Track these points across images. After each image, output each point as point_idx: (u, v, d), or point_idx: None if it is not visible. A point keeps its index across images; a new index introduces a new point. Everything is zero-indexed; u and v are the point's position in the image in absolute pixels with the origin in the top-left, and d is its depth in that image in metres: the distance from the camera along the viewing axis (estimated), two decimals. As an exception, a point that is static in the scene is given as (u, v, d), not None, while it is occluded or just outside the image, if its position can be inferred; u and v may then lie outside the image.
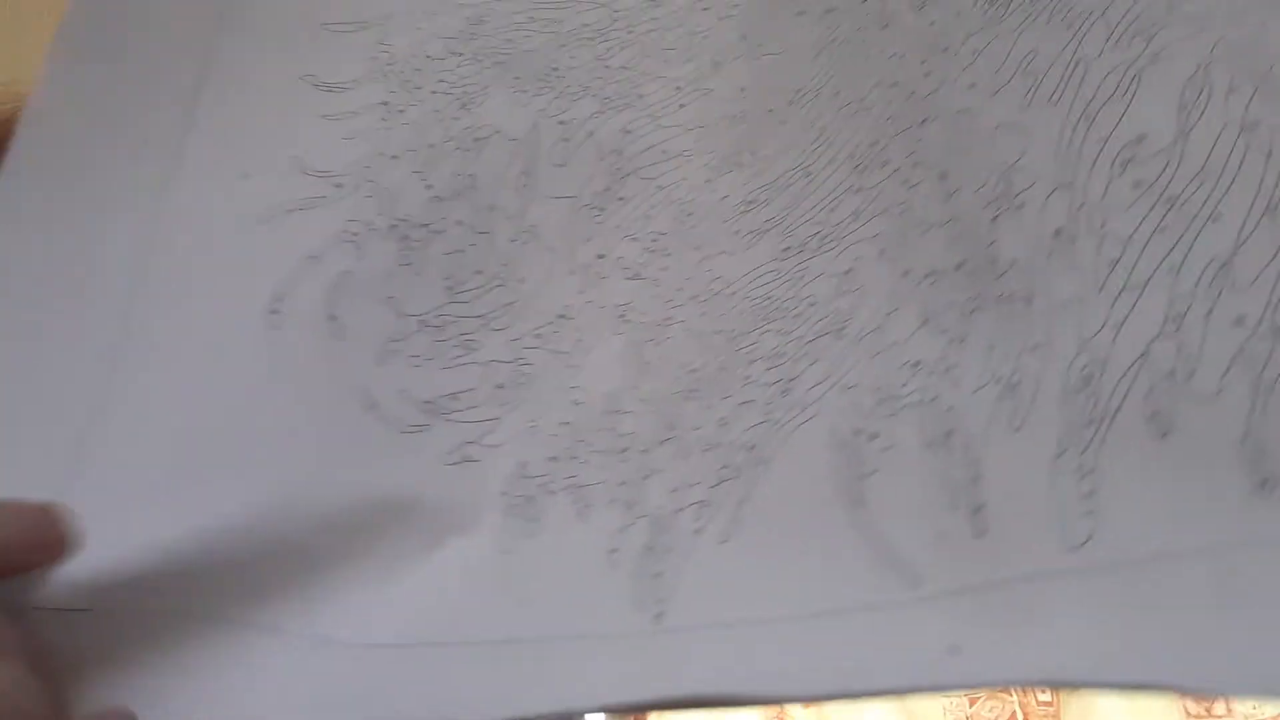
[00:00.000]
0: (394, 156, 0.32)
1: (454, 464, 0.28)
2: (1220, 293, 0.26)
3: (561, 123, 0.32)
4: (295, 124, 0.33)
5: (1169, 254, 0.28)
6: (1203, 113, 0.30)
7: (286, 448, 0.29)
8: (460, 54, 0.34)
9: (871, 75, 0.33)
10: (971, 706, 1.14)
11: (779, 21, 0.33)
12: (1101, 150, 0.29)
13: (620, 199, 0.31)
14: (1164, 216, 0.28)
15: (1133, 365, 0.26)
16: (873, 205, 0.30)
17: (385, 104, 0.33)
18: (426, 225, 0.31)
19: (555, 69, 0.33)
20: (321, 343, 0.30)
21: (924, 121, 0.31)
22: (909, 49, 0.32)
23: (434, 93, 0.33)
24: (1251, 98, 0.29)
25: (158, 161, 0.34)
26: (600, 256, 0.30)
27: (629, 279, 0.30)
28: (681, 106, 0.32)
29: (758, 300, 0.29)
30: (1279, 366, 0.25)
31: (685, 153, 0.32)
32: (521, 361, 0.29)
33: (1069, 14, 0.32)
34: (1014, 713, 1.37)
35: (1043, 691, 1.31)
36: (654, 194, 0.31)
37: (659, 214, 0.31)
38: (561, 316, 0.30)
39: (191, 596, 0.26)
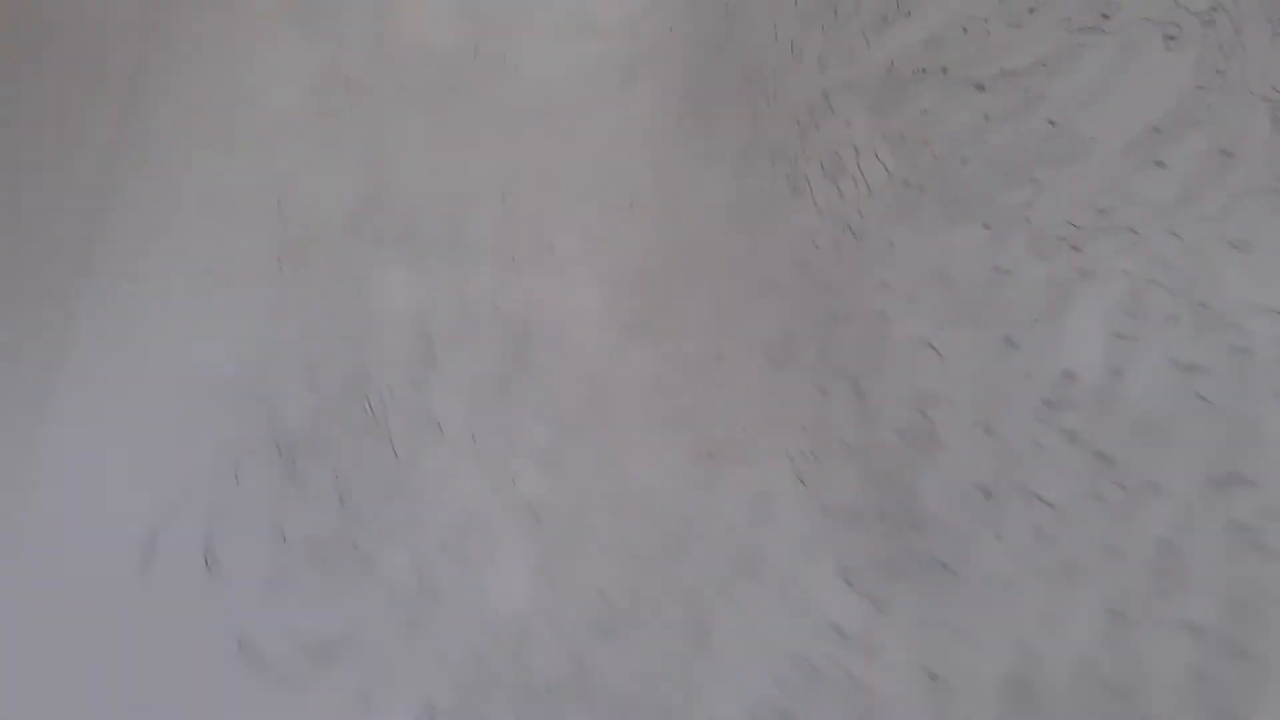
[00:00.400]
0: (281, 358, 0.28)
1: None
2: (1167, 588, 0.23)
3: (462, 296, 0.28)
4: (183, 323, 0.28)
5: (1106, 530, 0.25)
6: (1136, 347, 0.27)
7: (160, 708, 0.24)
8: (360, 230, 0.29)
9: (783, 250, 0.30)
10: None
11: (693, 165, 0.30)
12: (1027, 388, 0.27)
13: (526, 372, 0.27)
14: (1098, 481, 0.26)
15: (1072, 677, 0.23)
16: (788, 411, 0.27)
17: (280, 293, 0.29)
18: (313, 435, 0.26)
19: (458, 232, 0.29)
20: (198, 584, 0.25)
21: (836, 320, 0.28)
22: (820, 225, 0.30)
23: (330, 277, 0.29)
24: (1192, 332, 0.26)
25: (32, 375, 0.29)
26: (509, 444, 0.26)
27: (540, 472, 0.26)
28: (592, 256, 0.29)
29: (673, 517, 0.26)
30: (1245, 695, 0.22)
31: (594, 314, 0.28)
32: (427, 579, 0.25)
33: (991, 211, 0.30)
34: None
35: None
36: (562, 366, 0.27)
37: (568, 390, 0.27)
38: (469, 522, 0.26)
39: None
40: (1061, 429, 0.28)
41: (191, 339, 0.28)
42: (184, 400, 0.27)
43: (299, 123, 0.33)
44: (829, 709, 0.23)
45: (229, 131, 0.34)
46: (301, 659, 0.24)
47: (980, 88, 0.32)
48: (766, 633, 0.25)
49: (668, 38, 0.34)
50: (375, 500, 0.26)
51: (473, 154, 0.32)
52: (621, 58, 0.35)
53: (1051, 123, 0.31)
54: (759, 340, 0.29)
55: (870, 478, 0.28)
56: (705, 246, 0.31)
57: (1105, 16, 0.31)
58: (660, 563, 0.26)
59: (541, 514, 0.26)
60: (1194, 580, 0.25)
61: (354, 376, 0.27)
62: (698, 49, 0.35)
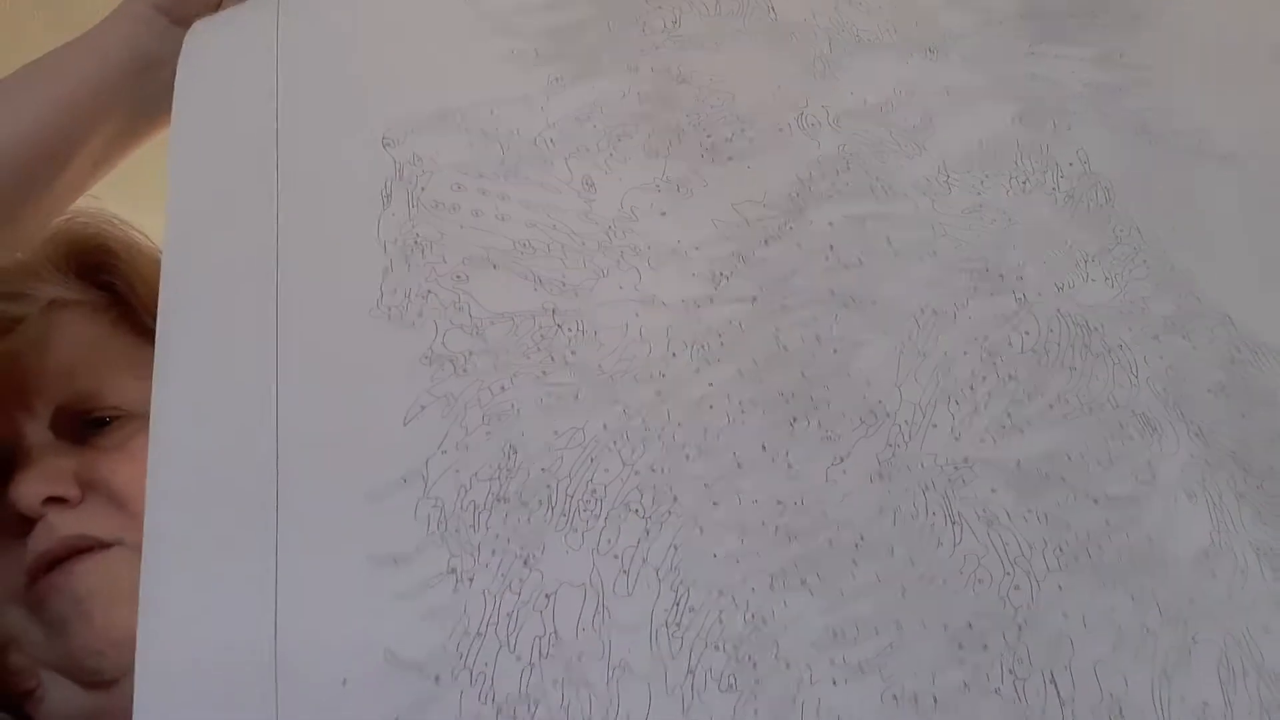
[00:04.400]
0: (478, 633, 0.30)
1: None
2: None
3: (616, 555, 0.31)
4: (375, 611, 0.30)
5: None
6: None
7: None
8: (505, 499, 0.31)
9: (945, 552, 0.32)
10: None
11: (806, 441, 0.33)
12: None
13: (691, 610, 0.30)
14: None
15: None
16: (980, 684, 0.29)
17: (453, 571, 0.31)
18: (528, 698, 0.29)
19: (592, 490, 0.32)
20: None
21: (1020, 626, 0.30)
22: (985, 550, 0.32)
23: (494, 552, 0.31)
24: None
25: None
26: (690, 673, 0.29)
27: (723, 691, 0.29)
28: (715, 505, 0.32)
29: None
30: None
31: (735, 557, 0.31)
32: None
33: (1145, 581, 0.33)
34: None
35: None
36: (721, 602, 0.30)
37: (730, 621, 0.30)
38: None
39: None
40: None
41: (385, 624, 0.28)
42: (406, 687, 0.28)
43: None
44: None
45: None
46: None
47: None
48: None
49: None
50: None
51: (588, 415, 0.35)
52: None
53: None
54: (939, 620, 0.31)
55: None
56: (843, 521, 0.33)
57: None
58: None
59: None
60: None
61: (547, 642, 0.29)
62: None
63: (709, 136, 0.35)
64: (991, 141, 0.37)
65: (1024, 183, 0.36)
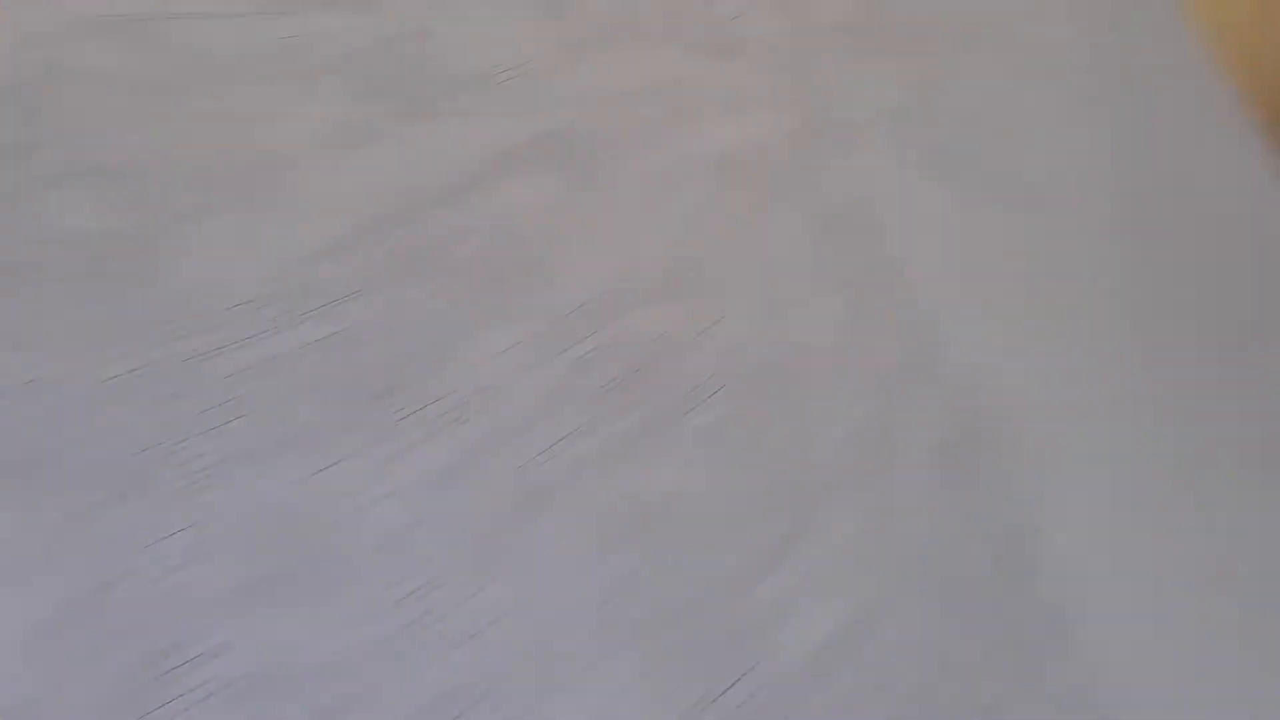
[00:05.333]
0: None
1: None
2: None
3: None
4: None
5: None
6: None
7: None
8: None
9: None
10: None
11: None
12: None
13: None
14: None
15: None
16: None
17: None
18: None
19: None
20: None
21: None
22: None
23: None
24: None
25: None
26: None
27: None
28: None
29: None
30: None
31: None
32: None
33: None
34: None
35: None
36: None
37: None
38: None
39: None
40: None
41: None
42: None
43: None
44: None
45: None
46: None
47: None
48: None
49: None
50: None
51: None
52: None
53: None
54: None
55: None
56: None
57: None
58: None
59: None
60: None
61: None
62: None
63: (420, 91, 0.31)
64: (751, 149, 0.32)
65: (771, 199, 0.32)
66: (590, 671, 0.22)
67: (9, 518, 0.21)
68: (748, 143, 0.31)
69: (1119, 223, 0.33)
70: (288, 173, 0.25)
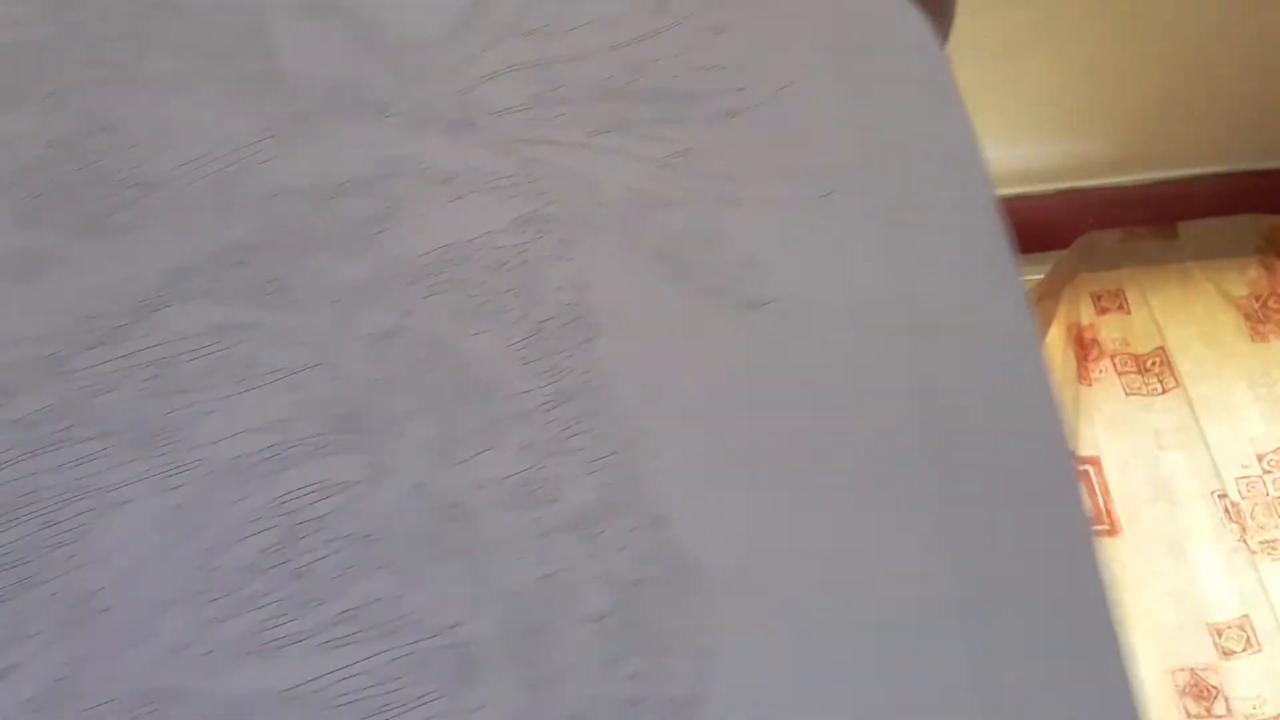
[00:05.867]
0: None
1: None
2: None
3: None
4: None
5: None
6: None
7: None
8: None
9: None
10: None
11: None
12: None
13: None
14: None
15: None
16: None
17: None
18: None
19: None
20: None
21: None
22: None
23: None
24: None
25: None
26: None
27: None
28: None
29: None
30: None
31: None
32: None
33: None
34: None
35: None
36: None
37: None
38: None
39: None
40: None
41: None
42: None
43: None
44: None
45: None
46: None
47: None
48: None
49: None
50: None
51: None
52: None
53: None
54: None
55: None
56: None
57: None
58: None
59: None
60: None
61: None
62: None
63: (97, 201, 0.27)
64: (467, 247, 0.28)
65: (481, 306, 0.27)
66: None
67: None
68: (465, 239, 0.27)
69: (864, 351, 0.29)
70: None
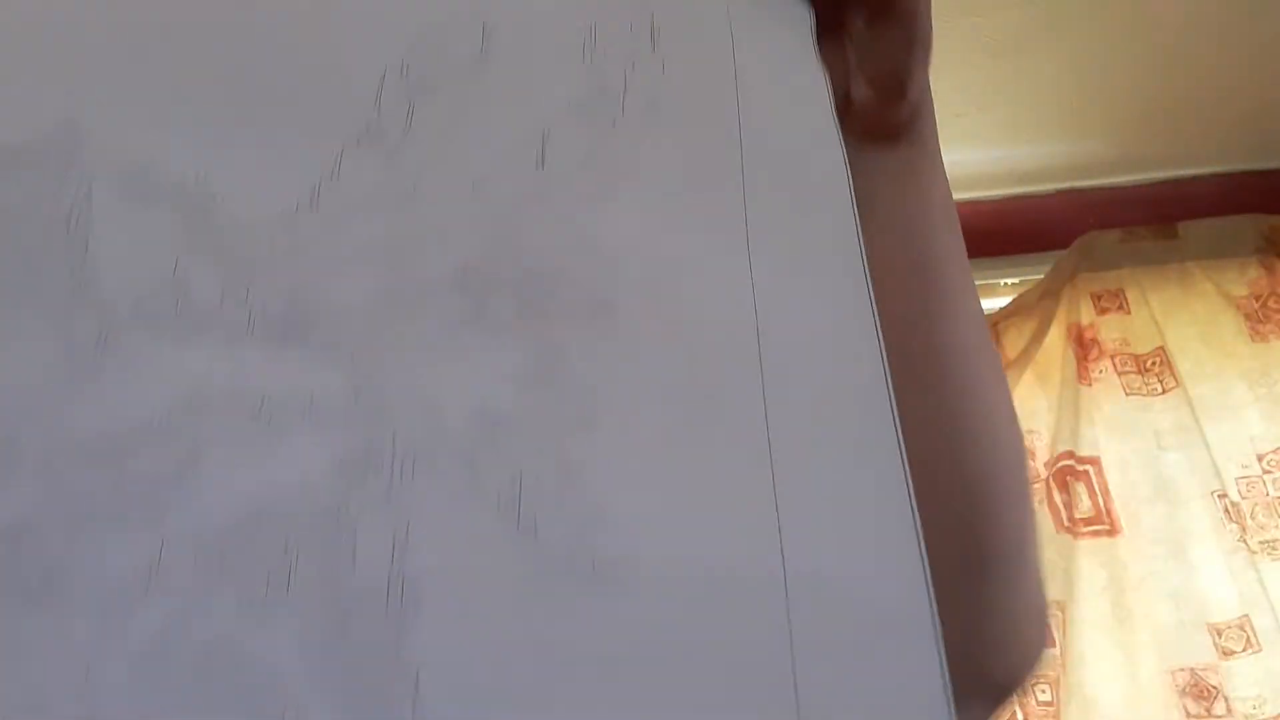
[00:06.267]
0: None
1: None
2: None
3: None
4: None
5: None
6: None
7: None
8: None
9: None
10: None
11: None
12: None
13: None
14: None
15: None
16: None
17: None
18: None
19: None
20: None
21: None
22: None
23: None
24: None
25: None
26: None
27: None
28: None
29: None
30: None
31: None
32: None
33: None
34: (1014, 713, 1.39)
35: (1042, 691, 1.32)
36: None
37: None
38: None
39: None
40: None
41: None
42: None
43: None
44: None
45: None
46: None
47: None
48: None
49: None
50: None
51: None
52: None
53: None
54: None
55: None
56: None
57: None
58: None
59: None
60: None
61: None
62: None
63: None
64: (273, 507, 0.23)
65: (276, 593, 0.22)
66: None
67: None
68: (272, 496, 0.22)
69: (733, 631, 0.23)
70: None
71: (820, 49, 0.37)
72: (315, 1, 0.30)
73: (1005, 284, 1.59)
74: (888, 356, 0.34)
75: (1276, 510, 1.33)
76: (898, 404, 0.32)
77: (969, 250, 0.43)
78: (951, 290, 0.40)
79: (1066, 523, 1.36)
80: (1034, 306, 1.50)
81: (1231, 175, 1.55)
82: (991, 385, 0.40)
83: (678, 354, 0.27)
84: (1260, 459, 1.36)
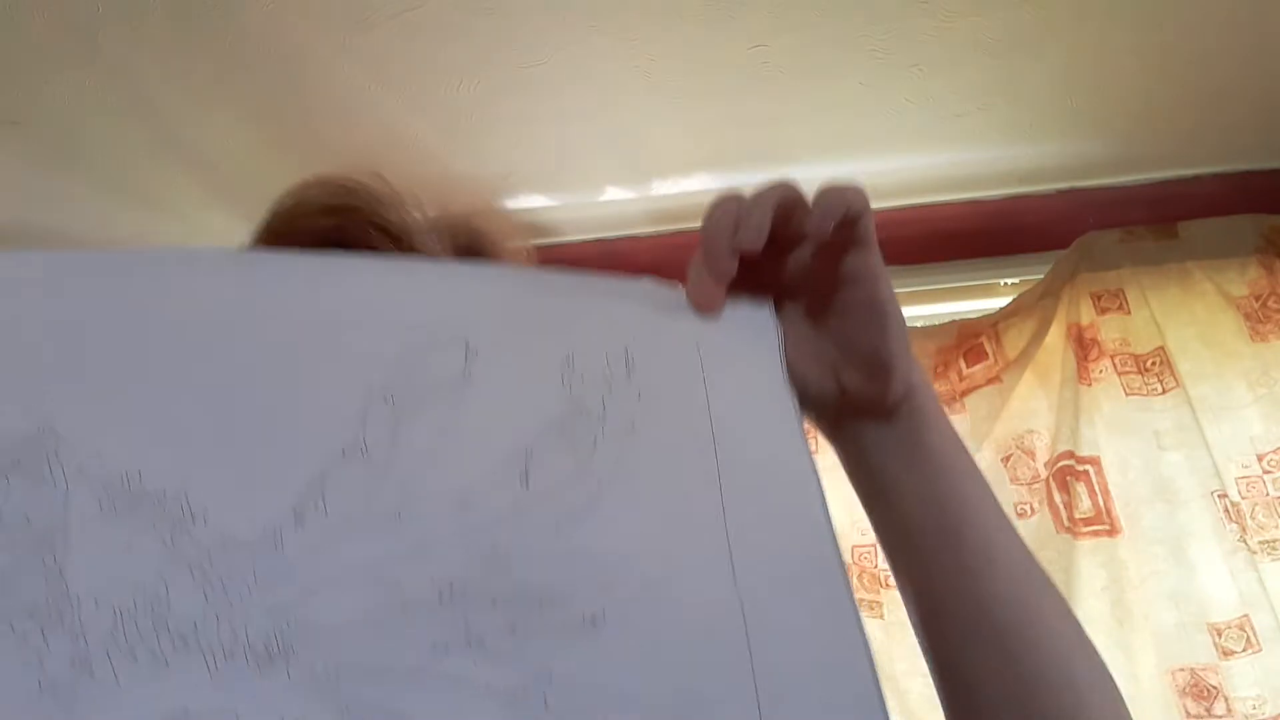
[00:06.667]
0: None
1: None
2: None
3: None
4: None
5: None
6: None
7: None
8: None
9: None
10: None
11: None
12: None
13: None
14: None
15: None
16: None
17: None
18: None
19: None
20: None
21: None
22: None
23: None
24: None
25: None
26: None
27: None
28: None
29: None
30: None
31: None
32: None
33: None
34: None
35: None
36: None
37: None
38: None
39: None
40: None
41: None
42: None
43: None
44: None
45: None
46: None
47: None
48: None
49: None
50: None
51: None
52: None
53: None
54: None
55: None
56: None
57: None
58: None
59: None
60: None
61: None
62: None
63: None
64: None
65: None
66: None
67: None
68: None
69: None
70: None
71: (805, 352, 0.40)
72: (300, 318, 0.30)
73: (1005, 284, 1.59)
74: (936, 620, 0.38)
75: (1276, 510, 1.33)
76: (964, 664, 0.35)
77: (970, 250, 0.43)
78: (985, 541, 0.40)
79: (1066, 523, 1.36)
80: (1034, 306, 1.50)
81: (1231, 175, 1.55)
82: (1055, 622, 0.40)
83: (669, 670, 0.27)
84: (1260, 459, 1.36)
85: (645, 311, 0.35)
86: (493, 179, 1.45)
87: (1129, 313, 1.46)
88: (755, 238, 0.35)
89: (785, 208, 0.37)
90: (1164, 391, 1.41)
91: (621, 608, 0.28)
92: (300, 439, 0.27)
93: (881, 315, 0.39)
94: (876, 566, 1.43)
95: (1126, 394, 1.41)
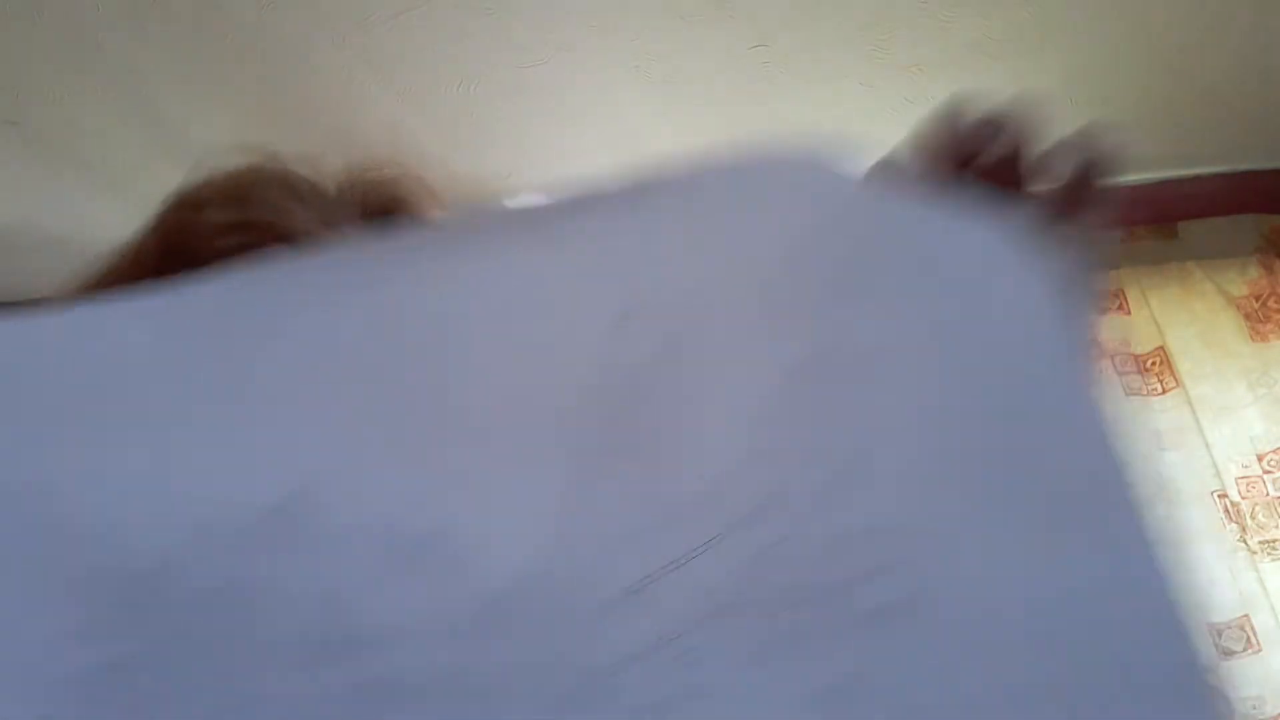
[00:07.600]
0: None
1: None
2: None
3: None
4: None
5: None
6: None
7: None
8: None
9: None
10: None
11: None
12: None
13: None
14: None
15: None
16: None
17: None
18: None
19: None
20: None
21: None
22: None
23: None
24: None
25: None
26: None
27: None
28: None
29: None
30: None
31: None
32: None
33: None
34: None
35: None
36: None
37: None
38: None
39: None
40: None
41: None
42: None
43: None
44: None
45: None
46: None
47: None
48: None
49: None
50: None
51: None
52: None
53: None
54: None
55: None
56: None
57: None
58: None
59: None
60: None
61: None
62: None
63: None
64: None
65: None
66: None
67: None
68: None
69: None
70: None
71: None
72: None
73: (1005, 284, 1.59)
74: None
75: (1276, 510, 1.33)
76: None
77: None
78: None
79: (1066, 523, 1.36)
80: (1034, 306, 1.50)
81: (1231, 175, 1.55)
82: None
83: (988, 658, 0.24)
84: (1260, 459, 1.36)
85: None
86: (493, 179, 1.45)
87: (1129, 313, 1.46)
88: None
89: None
90: (1164, 391, 1.41)
91: (939, 590, 0.24)
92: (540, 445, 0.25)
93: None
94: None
95: (1126, 394, 1.41)
